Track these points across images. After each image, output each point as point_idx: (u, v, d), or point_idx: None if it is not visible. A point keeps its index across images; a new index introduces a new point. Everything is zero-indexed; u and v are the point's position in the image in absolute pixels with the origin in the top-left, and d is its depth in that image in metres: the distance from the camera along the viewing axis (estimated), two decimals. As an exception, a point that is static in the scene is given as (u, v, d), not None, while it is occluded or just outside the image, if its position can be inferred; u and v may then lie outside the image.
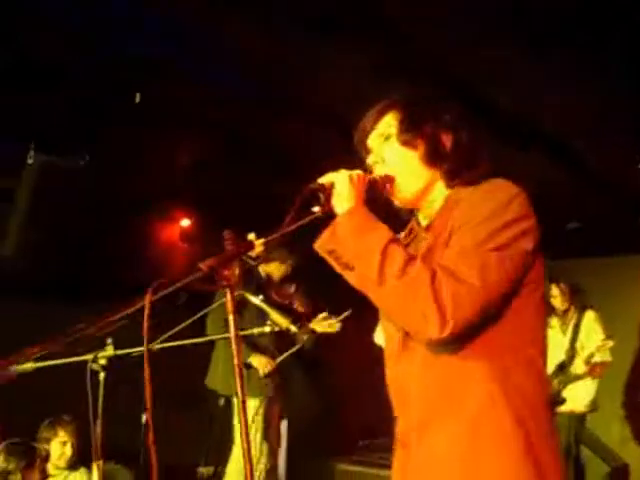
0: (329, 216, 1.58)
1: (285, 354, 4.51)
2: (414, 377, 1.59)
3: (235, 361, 1.43)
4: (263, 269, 4.70)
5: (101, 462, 2.36)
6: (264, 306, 2.51)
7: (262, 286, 4.52)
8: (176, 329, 2.71)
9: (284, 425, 6.44)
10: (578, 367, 4.91)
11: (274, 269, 4.71)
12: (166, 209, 5.55)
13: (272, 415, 4.72)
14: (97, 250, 4.90)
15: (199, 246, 5.64)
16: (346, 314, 4.53)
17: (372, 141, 1.72)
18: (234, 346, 1.43)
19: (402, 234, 1.79)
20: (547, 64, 3.51)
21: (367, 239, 1.50)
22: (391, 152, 1.68)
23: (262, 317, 2.76)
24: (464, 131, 1.70)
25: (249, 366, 4.32)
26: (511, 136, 4.28)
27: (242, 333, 2.54)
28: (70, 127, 4.13)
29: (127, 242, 5.11)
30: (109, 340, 2.55)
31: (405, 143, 1.67)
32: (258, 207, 5.30)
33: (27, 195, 4.23)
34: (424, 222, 1.72)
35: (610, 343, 4.92)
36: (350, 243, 1.52)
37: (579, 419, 5.10)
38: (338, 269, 1.54)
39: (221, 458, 4.78)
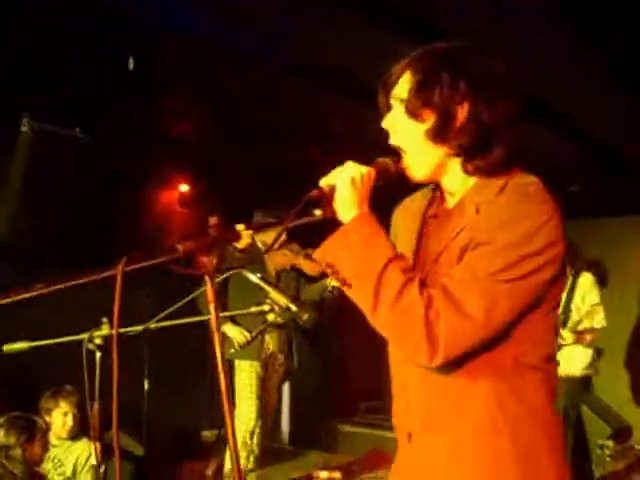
0: (331, 219, 1.45)
1: (262, 327, 4.46)
2: (413, 385, 1.52)
3: (217, 351, 1.37)
4: (259, 239, 4.56)
5: (99, 444, 2.33)
6: (263, 284, 2.44)
7: (261, 259, 4.42)
8: (175, 306, 2.64)
9: (287, 388, 6.47)
10: (566, 337, 4.85)
11: (268, 237, 4.51)
12: (164, 174, 5.47)
13: (268, 377, 4.72)
14: (94, 217, 4.85)
15: (198, 211, 5.58)
16: None
17: (392, 102, 1.51)
18: (215, 335, 1.38)
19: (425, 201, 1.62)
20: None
21: (365, 259, 1.38)
22: (400, 123, 1.48)
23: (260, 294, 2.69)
24: (484, 102, 1.42)
25: None
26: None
27: (240, 313, 2.50)
28: (64, 99, 4.05)
29: (125, 208, 5.05)
30: (104, 319, 2.49)
31: (411, 114, 1.45)
32: (257, 172, 5.25)
33: (20, 163, 4.14)
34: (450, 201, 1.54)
35: (599, 310, 4.84)
36: (348, 261, 1.39)
37: (580, 382, 5.06)
38: (336, 282, 1.44)
39: (225, 422, 4.80)
